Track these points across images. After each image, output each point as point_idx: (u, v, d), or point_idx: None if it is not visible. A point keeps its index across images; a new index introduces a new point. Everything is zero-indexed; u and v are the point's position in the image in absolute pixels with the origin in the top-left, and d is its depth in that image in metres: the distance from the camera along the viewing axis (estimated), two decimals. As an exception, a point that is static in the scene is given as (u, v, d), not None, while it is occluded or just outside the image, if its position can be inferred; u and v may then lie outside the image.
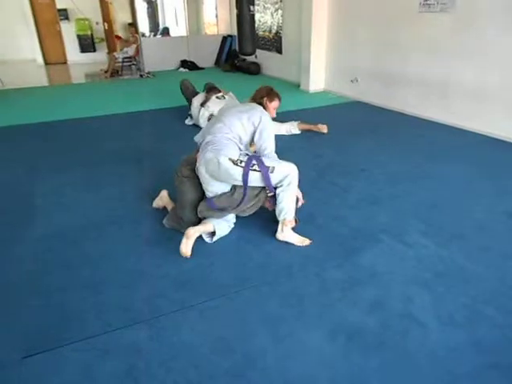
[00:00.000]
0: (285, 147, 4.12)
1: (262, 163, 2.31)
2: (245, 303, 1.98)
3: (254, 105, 2.62)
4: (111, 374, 1.60)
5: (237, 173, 2.30)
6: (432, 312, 1.90)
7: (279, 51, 8.04)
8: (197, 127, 4.56)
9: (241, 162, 2.29)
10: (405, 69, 5.32)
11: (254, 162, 2.31)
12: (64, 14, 10.60)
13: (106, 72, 8.79)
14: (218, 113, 2.73)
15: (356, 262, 2.29)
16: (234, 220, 2.59)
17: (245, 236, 2.54)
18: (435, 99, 4.98)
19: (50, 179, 3.42)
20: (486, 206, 2.89)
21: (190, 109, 4.91)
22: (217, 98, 4.67)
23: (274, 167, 2.32)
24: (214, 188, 2.43)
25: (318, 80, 6.90)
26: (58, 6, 10.49)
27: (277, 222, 2.47)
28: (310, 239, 2.46)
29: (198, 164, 2.42)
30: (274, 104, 2.70)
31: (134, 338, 1.77)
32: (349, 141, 4.36)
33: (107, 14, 10.76)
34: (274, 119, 4.48)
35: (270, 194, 2.43)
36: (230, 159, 2.29)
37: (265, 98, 2.65)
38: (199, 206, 2.47)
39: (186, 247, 2.30)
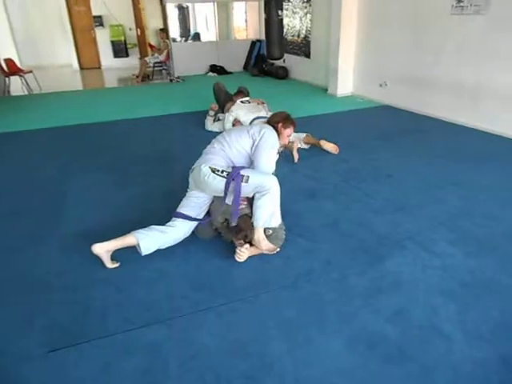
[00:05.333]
0: (309, 151, 4.10)
1: (238, 173, 2.22)
2: (263, 307, 1.96)
3: (265, 124, 2.61)
4: (129, 373, 1.62)
5: (214, 183, 2.24)
6: (457, 324, 1.82)
7: (307, 55, 8.01)
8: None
9: (222, 172, 2.24)
10: (436, 72, 5.18)
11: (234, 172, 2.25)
12: (99, 20, 10.98)
13: (137, 77, 9.02)
14: (227, 130, 2.68)
15: (380, 269, 2.23)
16: (187, 235, 2.44)
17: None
18: (467, 103, 4.82)
19: (82, 178, 3.52)
20: (519, 215, 2.76)
21: (221, 112, 4.88)
22: (241, 102, 4.53)
23: (248, 176, 2.21)
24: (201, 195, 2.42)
25: (345, 84, 6.83)
26: (94, 13, 10.88)
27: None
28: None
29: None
30: (289, 131, 2.66)
31: (154, 337, 1.79)
32: (376, 145, 4.27)
33: (140, 20, 11.05)
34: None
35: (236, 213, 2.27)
36: (210, 167, 2.27)
37: (280, 124, 2.61)
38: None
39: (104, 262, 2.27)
